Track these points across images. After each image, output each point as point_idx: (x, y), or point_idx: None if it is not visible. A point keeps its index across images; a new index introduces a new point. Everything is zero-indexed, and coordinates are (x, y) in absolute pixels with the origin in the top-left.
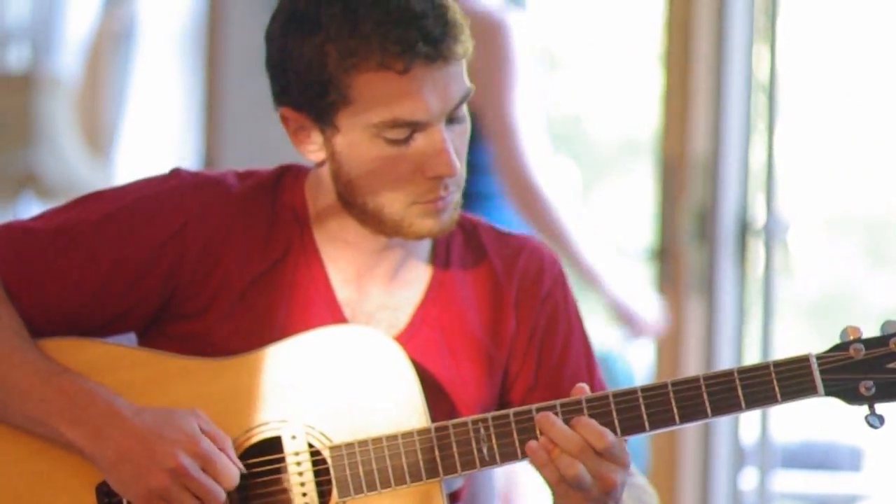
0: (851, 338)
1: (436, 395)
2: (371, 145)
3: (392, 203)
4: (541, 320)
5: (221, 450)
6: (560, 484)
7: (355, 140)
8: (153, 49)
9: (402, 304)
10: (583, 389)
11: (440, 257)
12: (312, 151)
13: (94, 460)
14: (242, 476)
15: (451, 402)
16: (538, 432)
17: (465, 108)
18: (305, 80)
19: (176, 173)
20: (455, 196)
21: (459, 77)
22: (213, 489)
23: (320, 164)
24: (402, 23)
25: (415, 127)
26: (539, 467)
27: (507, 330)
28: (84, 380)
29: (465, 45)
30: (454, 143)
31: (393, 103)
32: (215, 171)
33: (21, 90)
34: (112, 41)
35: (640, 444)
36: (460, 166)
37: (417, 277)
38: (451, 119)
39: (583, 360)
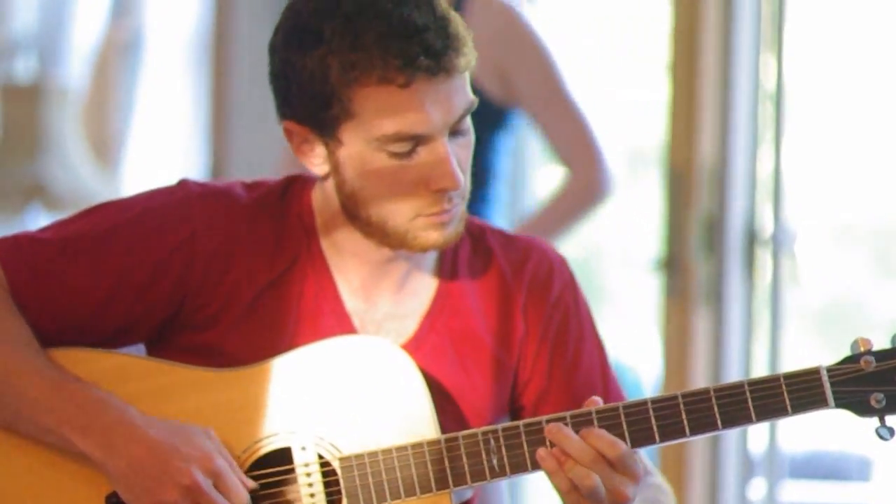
0: (862, 349)
1: (445, 402)
2: (374, 158)
3: (396, 216)
4: (552, 324)
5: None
6: (571, 493)
7: (358, 153)
8: (160, 59)
9: (410, 312)
10: (595, 402)
11: (447, 264)
12: (317, 165)
13: (105, 470)
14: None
15: (460, 409)
16: (548, 443)
17: (468, 121)
18: (308, 94)
19: (183, 184)
20: (460, 208)
21: (462, 89)
22: None
23: (325, 177)
24: (403, 36)
25: (418, 140)
26: (549, 474)
27: (515, 334)
28: (95, 389)
29: (468, 57)
30: (458, 155)
31: (395, 117)
32: (222, 182)
33: (28, 101)
34: (119, 51)
35: (649, 456)
36: (464, 179)
37: (424, 286)
38: (455, 132)
39: (597, 363)
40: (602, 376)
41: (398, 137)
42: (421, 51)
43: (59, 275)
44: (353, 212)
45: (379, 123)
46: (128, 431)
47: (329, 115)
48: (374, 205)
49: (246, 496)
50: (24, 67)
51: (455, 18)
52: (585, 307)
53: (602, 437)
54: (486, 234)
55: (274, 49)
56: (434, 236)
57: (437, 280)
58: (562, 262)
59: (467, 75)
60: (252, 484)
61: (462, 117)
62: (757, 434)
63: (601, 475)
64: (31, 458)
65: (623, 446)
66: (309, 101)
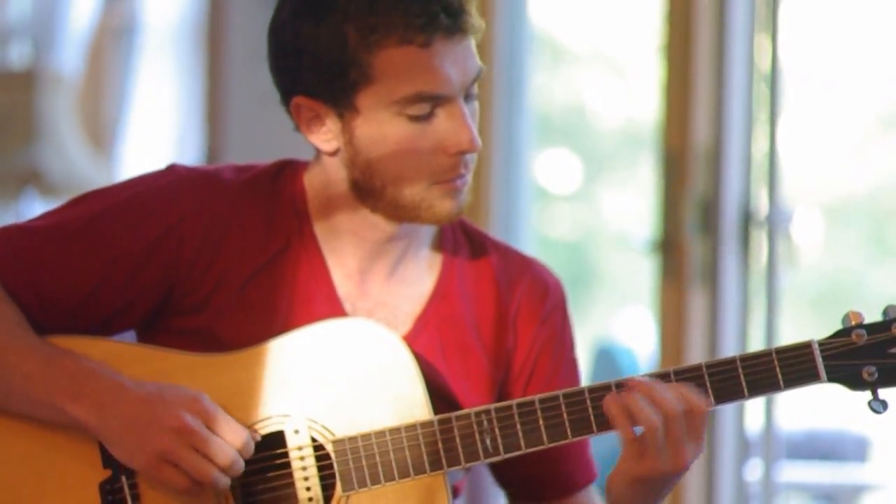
0: (853, 323)
1: (434, 399)
2: (393, 124)
3: (413, 184)
4: (537, 342)
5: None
6: (633, 443)
7: (376, 120)
8: (154, 45)
9: (401, 302)
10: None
11: (445, 264)
12: (326, 140)
13: (99, 434)
14: (246, 471)
15: (447, 407)
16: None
17: (476, 87)
18: (323, 64)
19: (172, 169)
20: (469, 177)
21: (473, 52)
22: (220, 445)
23: (333, 154)
24: None
25: (436, 102)
26: (614, 418)
27: (504, 346)
28: (85, 359)
29: (477, 19)
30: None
31: (416, 77)
32: (212, 166)
33: (23, 87)
34: (113, 37)
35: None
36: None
37: (419, 279)
38: (467, 96)
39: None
40: None
41: (419, 98)
42: (441, 9)
43: (48, 263)
44: (365, 185)
45: (399, 85)
46: (118, 394)
47: (346, 84)
48: (390, 174)
49: (243, 433)
50: (18, 53)
51: None
52: (571, 333)
53: (689, 388)
54: (486, 243)
55: (280, 25)
56: (448, 205)
57: (434, 280)
58: (556, 285)
59: (473, 40)
60: (252, 434)
61: (474, 80)
62: (753, 414)
63: (669, 427)
64: (24, 445)
65: (707, 403)
66: (324, 72)
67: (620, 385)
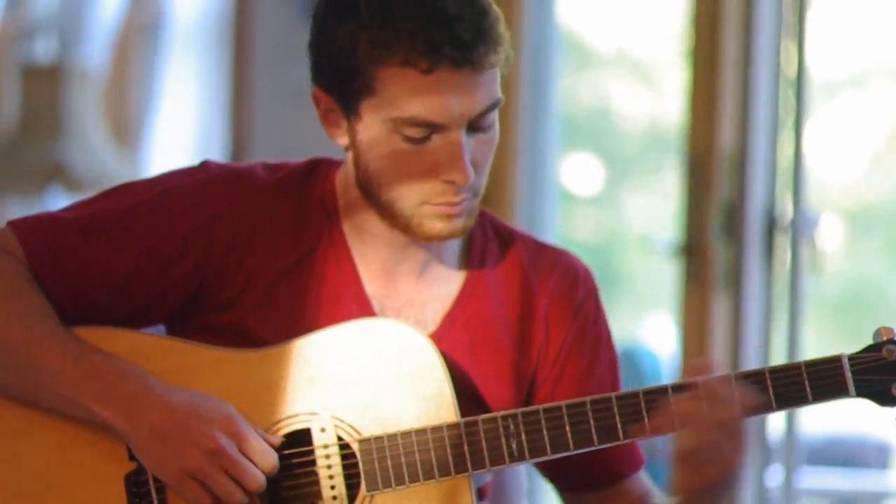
0: (885, 338)
1: (462, 398)
2: (388, 139)
3: (404, 199)
4: (570, 331)
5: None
6: (688, 456)
7: (374, 131)
8: (180, 41)
9: (430, 301)
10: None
11: (474, 262)
12: (339, 136)
13: (128, 438)
14: None
15: (475, 405)
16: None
17: (492, 118)
18: (336, 64)
19: (205, 165)
20: (470, 203)
21: (488, 86)
22: (251, 470)
23: (346, 149)
24: (433, 23)
25: (433, 128)
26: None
27: (535, 341)
28: (115, 359)
29: (500, 55)
30: (474, 151)
31: (413, 102)
32: (244, 163)
33: (49, 82)
34: (140, 32)
35: (667, 444)
36: (476, 175)
37: (448, 278)
38: (476, 127)
39: (608, 375)
40: (612, 389)
41: (413, 122)
42: (447, 40)
43: (79, 254)
44: (366, 188)
45: (397, 105)
46: (148, 398)
47: (352, 89)
48: (384, 184)
49: (272, 457)
50: (44, 48)
51: (494, 14)
52: (605, 320)
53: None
54: (516, 238)
55: (315, 15)
56: (438, 226)
57: (464, 275)
58: (587, 273)
59: (497, 72)
60: (277, 440)
61: (484, 114)
62: (775, 420)
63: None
64: (50, 436)
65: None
66: (336, 72)
67: (649, 392)
